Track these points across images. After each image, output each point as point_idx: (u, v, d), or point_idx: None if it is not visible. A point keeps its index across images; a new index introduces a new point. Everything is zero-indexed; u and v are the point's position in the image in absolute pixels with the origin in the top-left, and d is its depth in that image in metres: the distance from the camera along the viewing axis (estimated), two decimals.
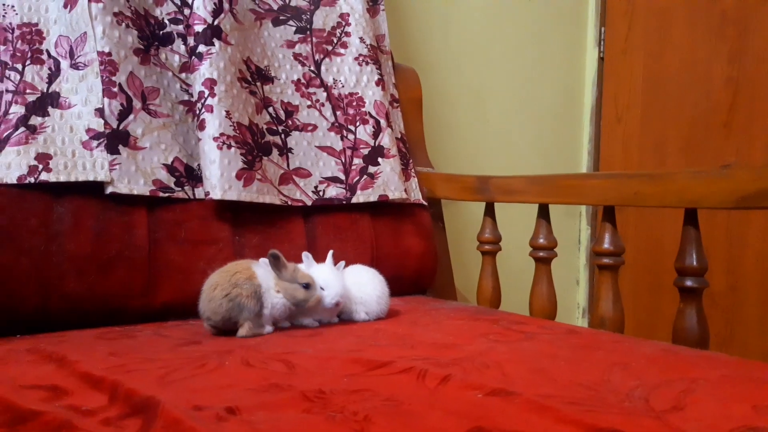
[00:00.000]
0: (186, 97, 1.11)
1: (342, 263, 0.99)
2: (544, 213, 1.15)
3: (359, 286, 0.98)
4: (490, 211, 1.24)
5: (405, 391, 0.61)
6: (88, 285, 0.96)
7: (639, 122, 1.99)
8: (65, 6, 1.02)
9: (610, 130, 2.06)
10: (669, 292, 1.20)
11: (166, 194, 1.04)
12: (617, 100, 2.05)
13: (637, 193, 0.95)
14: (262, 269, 0.90)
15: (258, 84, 1.17)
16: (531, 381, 0.64)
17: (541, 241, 1.15)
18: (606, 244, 1.01)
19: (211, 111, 1.06)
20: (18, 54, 0.99)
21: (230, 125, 1.08)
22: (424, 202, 1.32)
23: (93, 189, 0.99)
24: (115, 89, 1.02)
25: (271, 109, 1.18)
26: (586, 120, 2.11)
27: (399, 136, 1.33)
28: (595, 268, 1.06)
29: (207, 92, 1.06)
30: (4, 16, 1.00)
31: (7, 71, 0.98)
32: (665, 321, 1.34)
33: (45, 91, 0.99)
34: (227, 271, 0.88)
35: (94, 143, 0.99)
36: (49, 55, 1.01)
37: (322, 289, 0.93)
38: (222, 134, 1.06)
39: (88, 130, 1.00)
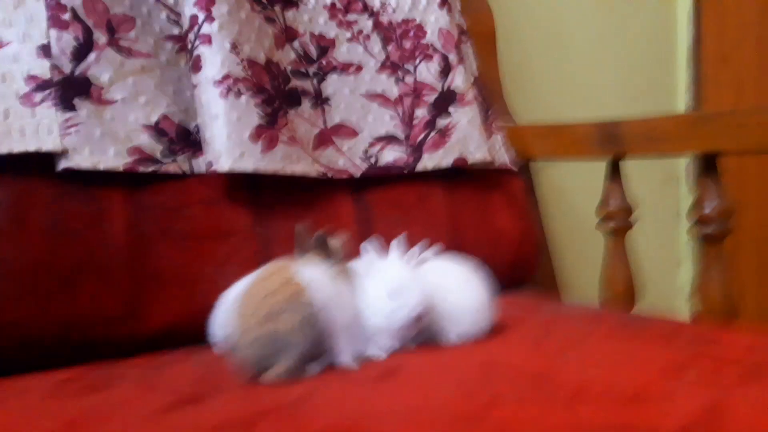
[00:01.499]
0: (176, 31, 0.77)
1: (418, 251, 0.64)
2: (615, 172, 0.89)
3: (447, 293, 0.63)
4: (615, 173, 0.87)
5: None
6: (39, 309, 0.63)
7: (754, 61, 1.62)
8: None
9: (714, 72, 1.67)
10: None
11: (150, 168, 0.71)
12: (722, 37, 1.67)
13: None
14: (315, 274, 0.57)
15: (277, 8, 0.82)
16: None
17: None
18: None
19: (209, 42, 0.72)
20: None
21: (238, 63, 0.73)
22: (514, 168, 0.96)
23: (41, 165, 0.66)
24: (66, 16, 0.68)
25: (296, 44, 0.83)
26: (682, 62, 1.71)
27: (473, 80, 0.97)
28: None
29: (202, 16, 0.73)
30: None
31: None
32: None
33: None
34: (261, 290, 0.55)
35: (38, 97, 0.66)
36: None
37: (392, 298, 0.59)
38: (227, 76, 0.72)
39: (28, 78, 0.67)
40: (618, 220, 0.87)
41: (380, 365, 0.58)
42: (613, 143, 0.84)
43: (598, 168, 0.91)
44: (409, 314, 0.59)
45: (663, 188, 1.70)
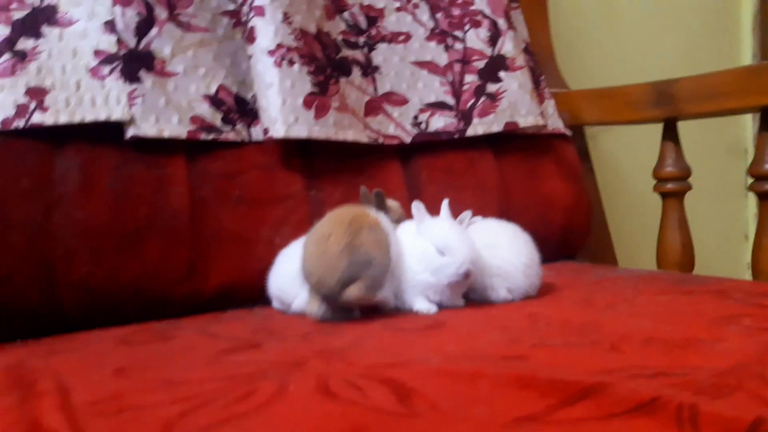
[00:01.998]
0: (231, 7, 0.80)
1: (468, 216, 0.65)
2: (671, 133, 0.87)
3: (496, 249, 0.64)
4: (671, 134, 0.85)
5: None
6: (108, 267, 0.68)
7: None
8: None
9: None
10: None
11: (211, 136, 0.74)
12: None
13: None
14: (382, 217, 0.62)
15: None
16: None
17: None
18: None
19: (262, 14, 0.75)
20: None
21: (290, 33, 0.76)
22: (567, 132, 0.95)
23: (108, 133, 0.70)
24: None
25: (346, 14, 0.85)
26: (747, 24, 1.61)
27: (524, 45, 0.96)
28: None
29: None
30: None
31: None
32: None
33: (37, 4, 0.71)
34: (339, 218, 0.59)
35: (106, 69, 0.71)
36: None
37: (441, 253, 0.60)
38: (280, 45, 0.75)
39: (96, 53, 0.71)
40: (675, 182, 0.85)
41: (428, 318, 0.60)
42: (668, 103, 0.82)
43: (656, 136, 0.89)
44: (458, 270, 0.59)
45: (729, 160, 1.63)
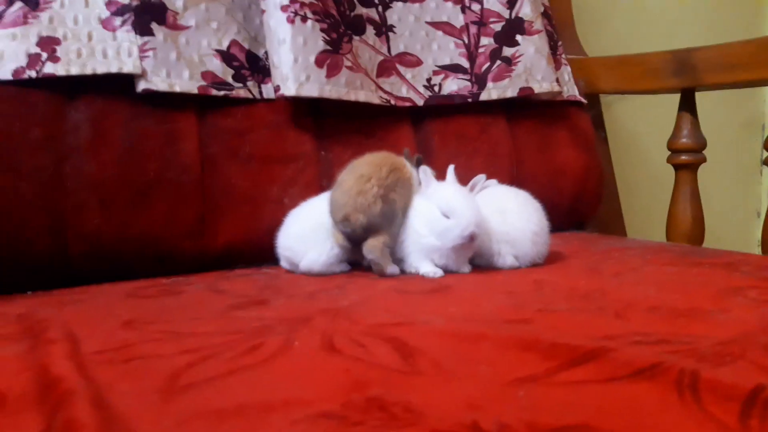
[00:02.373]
0: None
1: (481, 180, 0.65)
2: (688, 104, 0.85)
3: (505, 215, 0.64)
4: (688, 104, 0.84)
5: None
6: (117, 221, 0.68)
7: None
8: None
9: None
10: None
11: (222, 92, 0.74)
12: None
13: None
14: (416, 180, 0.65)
15: None
16: None
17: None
18: None
19: None
20: None
21: None
22: (583, 100, 0.93)
23: (120, 86, 0.70)
24: None
25: None
26: None
27: (542, 9, 0.94)
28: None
29: None
30: None
31: None
32: None
33: None
34: (378, 163, 0.61)
35: (118, 21, 0.70)
36: None
37: (446, 216, 0.60)
38: (293, 1, 0.73)
39: (108, 3, 0.70)
40: (689, 153, 0.83)
41: (434, 282, 0.60)
42: (687, 72, 0.80)
43: (673, 106, 0.87)
44: (462, 233, 0.59)
45: (745, 134, 1.60)
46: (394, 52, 0.83)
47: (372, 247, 0.59)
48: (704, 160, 0.85)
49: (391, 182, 0.59)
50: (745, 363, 0.33)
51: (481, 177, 0.65)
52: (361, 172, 0.60)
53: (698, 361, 0.33)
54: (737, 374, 0.31)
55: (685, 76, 0.80)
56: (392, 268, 0.62)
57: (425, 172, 0.63)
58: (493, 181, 0.67)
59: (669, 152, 0.87)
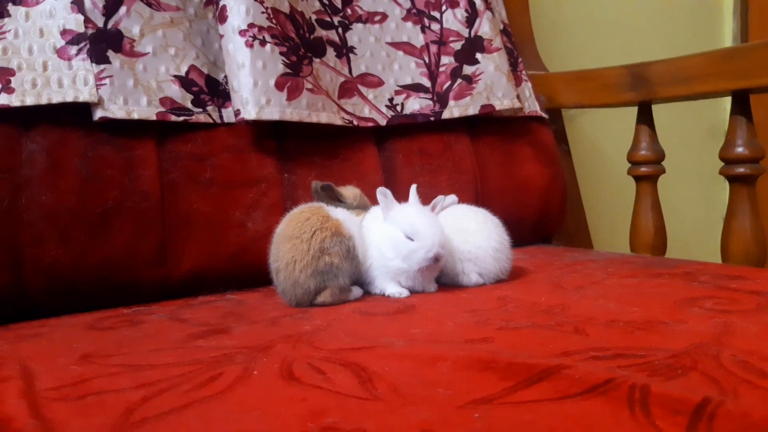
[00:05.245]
0: None
1: (441, 201, 0.65)
2: (645, 116, 0.87)
3: (466, 234, 0.64)
4: (646, 117, 0.85)
5: None
6: (76, 251, 0.67)
7: None
8: None
9: (764, 24, 1.57)
10: None
11: (182, 117, 0.73)
12: None
13: None
14: (342, 214, 0.63)
15: None
16: None
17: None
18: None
19: None
20: None
21: (262, 12, 0.75)
22: (544, 115, 0.94)
23: (76, 115, 0.69)
24: None
25: None
26: (729, 6, 1.61)
27: (502, 27, 0.95)
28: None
29: None
30: None
31: None
32: None
33: None
34: (298, 235, 0.60)
35: (73, 50, 0.69)
36: None
37: (410, 239, 0.60)
38: (252, 25, 0.74)
39: (63, 32, 0.69)
40: (648, 165, 0.85)
41: (399, 303, 0.60)
42: (643, 86, 0.82)
43: (634, 119, 0.89)
44: (427, 255, 0.59)
45: (708, 143, 1.63)
46: (355, 73, 0.84)
47: (323, 300, 0.60)
48: (663, 171, 0.86)
49: (317, 250, 0.59)
50: (696, 374, 0.34)
51: (442, 198, 0.65)
52: (287, 259, 0.60)
53: (651, 374, 0.33)
54: (687, 387, 0.31)
55: (641, 90, 0.82)
56: (355, 292, 0.62)
57: (385, 194, 0.63)
58: (454, 198, 0.68)
59: (630, 164, 0.88)
